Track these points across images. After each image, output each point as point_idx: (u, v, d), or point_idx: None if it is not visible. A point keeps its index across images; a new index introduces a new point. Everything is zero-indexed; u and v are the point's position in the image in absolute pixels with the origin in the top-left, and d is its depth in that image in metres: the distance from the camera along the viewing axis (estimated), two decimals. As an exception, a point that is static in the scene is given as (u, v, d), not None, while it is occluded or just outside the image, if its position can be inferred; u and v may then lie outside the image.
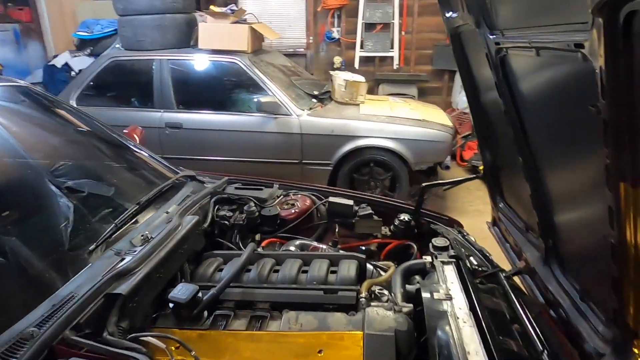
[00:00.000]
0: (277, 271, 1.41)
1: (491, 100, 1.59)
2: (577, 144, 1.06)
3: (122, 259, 1.24)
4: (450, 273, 1.44)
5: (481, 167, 4.90)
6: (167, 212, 1.56)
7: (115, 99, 4.11)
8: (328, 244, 1.70)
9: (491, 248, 1.84)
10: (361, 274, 1.45)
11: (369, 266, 1.61)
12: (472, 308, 1.26)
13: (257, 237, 1.76)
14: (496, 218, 1.88)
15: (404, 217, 1.84)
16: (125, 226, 1.39)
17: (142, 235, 1.36)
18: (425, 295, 1.31)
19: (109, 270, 1.18)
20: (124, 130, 2.21)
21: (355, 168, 3.79)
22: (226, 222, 1.72)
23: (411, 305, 1.28)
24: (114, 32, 4.54)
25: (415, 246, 1.77)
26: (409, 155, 3.65)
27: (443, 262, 1.50)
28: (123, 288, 1.12)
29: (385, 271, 1.65)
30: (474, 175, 1.92)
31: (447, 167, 3.91)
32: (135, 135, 2.19)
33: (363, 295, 1.26)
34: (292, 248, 1.65)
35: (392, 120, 3.77)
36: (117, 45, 4.19)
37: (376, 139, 3.65)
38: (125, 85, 4.13)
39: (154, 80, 3.87)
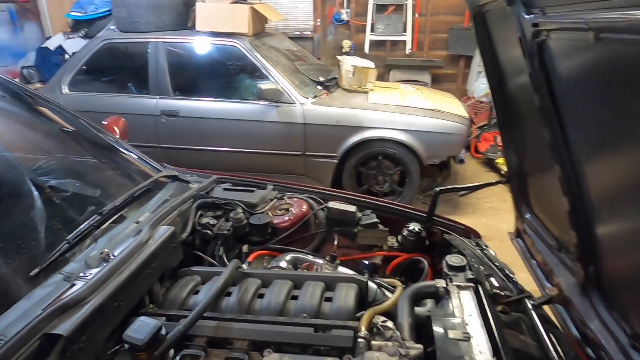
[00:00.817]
0: (262, 296, 1.20)
1: (521, 92, 1.34)
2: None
3: (72, 285, 1.03)
4: (468, 302, 1.21)
5: (498, 161, 4.58)
6: (137, 222, 1.34)
7: (109, 84, 3.89)
8: (326, 259, 1.48)
9: (512, 260, 1.61)
10: (362, 300, 1.23)
11: (372, 285, 1.38)
12: (495, 351, 1.03)
13: (245, 248, 1.54)
14: (521, 230, 1.63)
15: (414, 227, 1.60)
16: (82, 242, 1.17)
17: (101, 254, 1.14)
18: (437, 330, 1.08)
19: (52, 301, 0.96)
20: (103, 122, 1.98)
21: (362, 161, 3.54)
22: (209, 231, 1.50)
23: (420, 347, 1.05)
24: (110, 12, 4.29)
25: (426, 262, 1.53)
26: (420, 149, 3.38)
27: (459, 287, 1.27)
28: (65, 327, 0.91)
29: (391, 290, 1.43)
30: (497, 181, 1.67)
31: (462, 161, 3.64)
32: (116, 128, 1.96)
33: (362, 334, 1.04)
34: (283, 264, 1.43)
35: (403, 110, 3.49)
36: (112, 27, 3.95)
37: (385, 130, 3.39)
38: (120, 69, 3.91)
39: (149, 64, 3.63)
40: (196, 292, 1.23)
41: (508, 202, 3.89)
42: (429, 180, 4.03)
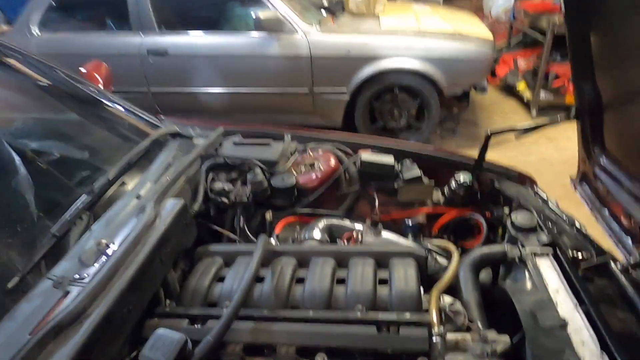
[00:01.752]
0: (301, 280, 0.98)
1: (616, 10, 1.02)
2: None
3: (66, 294, 0.81)
4: (549, 272, 1.00)
5: (519, 86, 4.24)
6: (138, 197, 1.09)
7: (85, 22, 3.43)
8: (366, 224, 1.25)
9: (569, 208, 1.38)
10: (422, 277, 1.01)
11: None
12: (600, 341, 0.83)
13: (268, 215, 1.31)
14: (588, 174, 1.39)
15: (463, 177, 1.36)
16: (72, 232, 0.93)
17: (98, 245, 0.91)
18: (524, 317, 0.88)
19: (43, 320, 0.74)
20: (82, 69, 1.65)
21: (376, 95, 3.21)
22: (225, 199, 1.25)
23: (507, 339, 0.85)
24: None
25: (482, 220, 1.31)
26: (441, 78, 3.04)
27: (535, 254, 1.05)
28: (64, 354, 0.70)
29: (444, 256, 1.22)
30: (563, 117, 1.38)
31: (484, 90, 3.31)
32: (97, 75, 1.64)
33: (437, 330, 0.84)
34: (317, 233, 1.20)
35: (420, 35, 3.10)
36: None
37: (402, 59, 3.02)
38: (95, 4, 3.42)
39: (128, -5, 3.16)
40: (220, 279, 1.02)
41: (534, 134, 3.63)
42: (445, 112, 3.72)
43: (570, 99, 3.65)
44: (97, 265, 0.87)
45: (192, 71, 3.23)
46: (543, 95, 3.77)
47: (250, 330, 0.85)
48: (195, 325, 0.89)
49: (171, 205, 1.08)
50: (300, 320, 0.87)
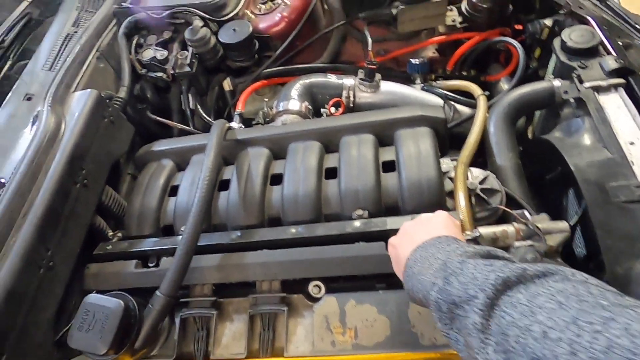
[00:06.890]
0: (278, 179, 0.72)
1: None
2: None
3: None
4: (621, 117, 0.72)
5: None
6: (28, 98, 0.77)
7: None
8: (357, 77, 0.92)
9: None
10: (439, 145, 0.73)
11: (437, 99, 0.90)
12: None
13: (226, 84, 0.97)
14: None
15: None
16: None
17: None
18: (584, 184, 0.64)
19: None
20: None
21: None
22: (161, 73, 0.91)
23: (565, 226, 0.62)
24: None
25: (515, 44, 0.95)
26: None
27: (599, 90, 0.75)
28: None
29: (465, 103, 0.93)
30: None
31: None
32: None
33: (470, 234, 0.60)
34: (295, 103, 0.88)
35: None
36: None
37: None
38: None
39: None
40: (173, 190, 0.76)
41: None
42: None
43: None
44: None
45: None
46: None
47: (217, 266, 0.64)
48: (149, 265, 0.68)
49: (80, 101, 0.76)
50: (281, 244, 0.64)
